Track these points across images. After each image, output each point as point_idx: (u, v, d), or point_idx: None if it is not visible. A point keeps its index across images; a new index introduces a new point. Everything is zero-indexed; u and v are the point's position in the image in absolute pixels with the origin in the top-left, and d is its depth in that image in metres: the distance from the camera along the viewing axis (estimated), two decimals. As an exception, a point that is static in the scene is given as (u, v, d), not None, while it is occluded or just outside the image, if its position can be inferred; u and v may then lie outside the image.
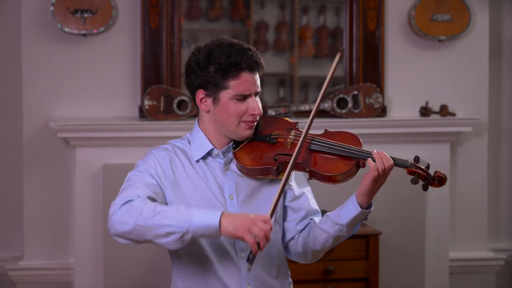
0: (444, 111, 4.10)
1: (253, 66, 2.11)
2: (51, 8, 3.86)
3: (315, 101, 4.11)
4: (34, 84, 3.95)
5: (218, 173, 2.17)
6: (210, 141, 2.17)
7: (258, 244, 1.92)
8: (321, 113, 4.07)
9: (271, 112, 3.98)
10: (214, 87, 2.10)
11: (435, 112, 4.12)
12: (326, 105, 4.04)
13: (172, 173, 2.15)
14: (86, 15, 3.89)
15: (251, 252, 1.93)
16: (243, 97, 2.11)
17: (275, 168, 2.11)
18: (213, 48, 2.11)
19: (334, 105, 4.05)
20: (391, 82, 4.17)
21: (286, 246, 2.28)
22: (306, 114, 4.06)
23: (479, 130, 4.23)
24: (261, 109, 2.14)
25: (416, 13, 4.08)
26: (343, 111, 4.04)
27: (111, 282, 3.91)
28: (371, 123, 4.05)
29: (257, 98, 2.14)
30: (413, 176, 2.14)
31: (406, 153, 4.11)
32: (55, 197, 4.00)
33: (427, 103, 4.11)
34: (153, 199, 2.06)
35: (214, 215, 1.94)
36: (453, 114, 4.12)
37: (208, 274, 2.13)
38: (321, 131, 2.22)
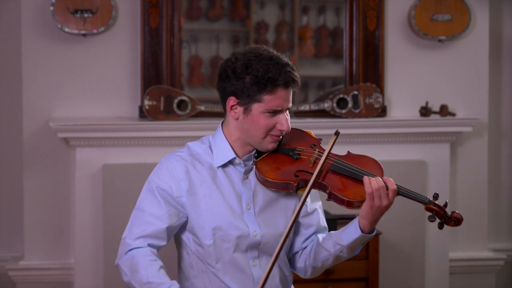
0: (444, 111, 4.10)
1: (289, 83, 2.10)
2: (51, 8, 3.86)
3: (316, 101, 4.12)
4: (34, 84, 3.95)
5: (237, 182, 2.17)
6: (233, 148, 2.16)
7: None
8: (321, 113, 4.07)
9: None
10: (247, 98, 2.09)
11: (435, 112, 4.12)
12: (326, 105, 4.04)
13: (187, 183, 2.14)
14: (86, 15, 3.89)
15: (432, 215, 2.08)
16: (275, 112, 2.10)
17: (295, 184, 2.11)
18: (252, 58, 2.09)
19: (334, 105, 4.05)
20: (391, 82, 4.17)
21: (289, 259, 2.30)
22: (306, 114, 4.06)
23: (479, 130, 4.23)
24: (290, 126, 2.14)
25: (416, 13, 4.08)
26: (343, 111, 4.04)
27: (111, 282, 3.91)
28: (371, 123, 4.05)
29: (287, 113, 2.14)
30: (430, 214, 2.14)
31: (406, 153, 4.13)
32: (55, 197, 4.00)
33: (427, 103, 4.11)
34: (167, 228, 2.11)
35: None
36: (453, 114, 4.12)
37: (220, 284, 2.15)
38: (344, 152, 2.22)
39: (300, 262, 2.28)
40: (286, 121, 2.12)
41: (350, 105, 4.05)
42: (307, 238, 2.26)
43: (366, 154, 2.24)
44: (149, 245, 2.12)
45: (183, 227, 2.18)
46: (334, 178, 2.12)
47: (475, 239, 4.30)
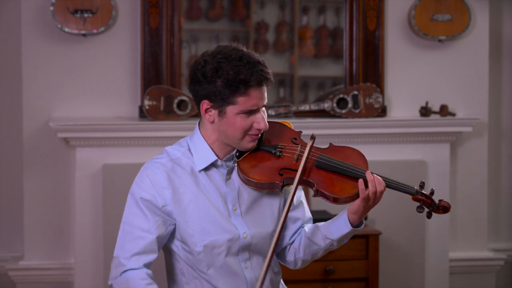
0: (444, 111, 4.10)
1: (262, 81, 2.07)
2: (51, 8, 3.86)
3: (316, 101, 4.12)
4: (34, 84, 3.95)
5: (221, 184, 2.14)
6: (212, 150, 2.13)
7: None
8: (321, 113, 4.07)
9: (271, 112, 3.98)
10: (220, 101, 2.05)
11: (435, 112, 4.12)
12: (326, 105, 4.04)
13: (171, 191, 2.10)
14: (86, 15, 3.89)
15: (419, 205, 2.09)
16: (250, 112, 2.07)
17: (280, 184, 2.09)
18: (221, 60, 2.04)
19: (334, 105, 4.05)
20: (391, 82, 4.17)
21: (278, 254, 2.28)
22: (306, 114, 4.06)
23: (479, 130, 4.23)
24: (267, 124, 2.10)
25: (416, 13, 4.08)
26: (343, 111, 4.04)
27: (111, 282, 3.91)
28: (371, 123, 4.05)
29: (264, 110, 2.11)
30: (418, 204, 2.14)
31: (406, 153, 4.13)
32: (55, 197, 4.00)
33: (427, 103, 4.10)
34: (157, 238, 2.09)
35: None
36: (453, 114, 4.12)
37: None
38: (326, 145, 2.19)
39: (289, 256, 2.26)
40: (262, 119, 2.08)
41: (350, 105, 4.05)
42: (295, 232, 2.25)
43: (348, 145, 2.22)
44: (144, 265, 2.09)
45: (171, 236, 2.15)
46: (320, 174, 2.10)
47: (475, 239, 4.30)
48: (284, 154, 2.13)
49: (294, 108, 4.04)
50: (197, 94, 2.09)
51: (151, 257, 2.10)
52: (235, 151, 2.14)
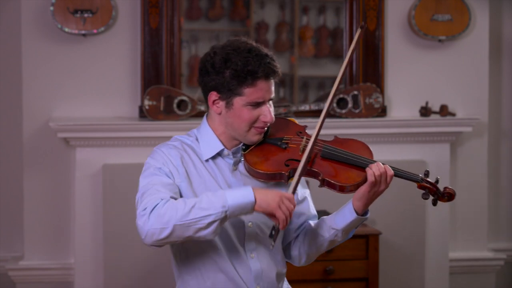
0: (444, 111, 4.10)
1: (270, 74, 2.08)
2: (51, 8, 3.86)
3: (316, 101, 4.12)
4: (34, 84, 3.95)
5: (227, 173, 2.16)
6: (220, 141, 2.15)
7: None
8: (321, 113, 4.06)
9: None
10: (228, 92, 2.08)
11: (435, 112, 4.12)
12: (326, 105, 4.04)
13: (184, 170, 2.12)
14: (86, 15, 3.89)
15: (273, 228, 1.97)
16: (257, 104, 2.09)
17: (286, 174, 2.10)
18: (230, 52, 2.08)
19: (334, 105, 4.05)
20: (391, 82, 4.17)
21: (283, 249, 2.28)
22: (306, 114, 4.06)
23: (479, 130, 4.23)
24: (273, 116, 2.12)
25: (416, 13, 4.08)
26: (343, 111, 4.04)
27: (111, 282, 3.91)
28: (371, 123, 4.05)
29: (270, 103, 2.13)
30: (423, 191, 2.15)
31: (406, 153, 4.13)
32: (55, 197, 4.00)
33: (427, 103, 4.11)
34: (175, 199, 2.02)
35: (248, 192, 1.97)
36: (453, 114, 4.12)
37: (219, 275, 2.13)
38: (331, 138, 2.21)
39: (294, 251, 2.27)
40: (269, 112, 2.10)
41: (350, 105, 4.05)
42: (299, 227, 2.25)
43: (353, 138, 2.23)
44: (162, 199, 2.00)
45: None
46: (325, 164, 2.12)
47: (475, 239, 4.30)
48: (289, 145, 2.16)
49: (294, 108, 4.04)
50: (206, 86, 2.12)
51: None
52: (241, 144, 2.16)
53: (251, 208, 1.96)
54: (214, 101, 2.11)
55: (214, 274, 2.13)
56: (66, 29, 3.88)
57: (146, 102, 3.89)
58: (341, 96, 4.05)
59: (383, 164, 2.11)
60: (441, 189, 2.15)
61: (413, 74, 4.19)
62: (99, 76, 3.99)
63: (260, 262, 2.15)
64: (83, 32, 3.90)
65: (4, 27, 4.06)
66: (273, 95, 2.13)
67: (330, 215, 2.20)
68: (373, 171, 2.07)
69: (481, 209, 4.28)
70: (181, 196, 2.09)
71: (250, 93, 2.07)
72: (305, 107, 4.05)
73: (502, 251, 4.40)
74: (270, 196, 1.97)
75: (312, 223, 2.24)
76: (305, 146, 2.13)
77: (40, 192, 3.98)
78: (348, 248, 3.71)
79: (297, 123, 2.24)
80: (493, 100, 4.36)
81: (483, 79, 4.22)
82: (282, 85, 4.35)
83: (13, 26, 4.02)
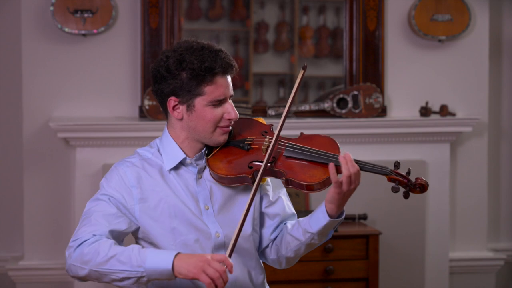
0: (444, 111, 4.10)
1: (227, 69, 2.04)
2: (51, 8, 3.86)
3: (316, 101, 4.12)
4: (34, 84, 3.95)
5: (192, 183, 2.10)
6: (182, 149, 2.09)
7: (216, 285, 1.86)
8: (321, 113, 4.07)
9: (271, 112, 3.98)
10: (188, 94, 2.02)
11: (435, 112, 4.12)
12: (326, 105, 4.04)
13: (140, 191, 2.06)
14: (86, 15, 3.89)
15: None
16: (219, 102, 2.04)
17: (250, 176, 2.04)
18: (183, 52, 2.03)
19: (334, 105, 4.05)
20: (391, 82, 4.17)
21: (261, 253, 2.23)
22: (306, 114, 4.06)
23: (479, 130, 4.23)
24: (237, 113, 2.07)
25: (416, 13, 4.08)
26: (343, 111, 4.04)
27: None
28: (371, 123, 4.05)
29: (231, 101, 2.08)
30: (393, 184, 2.04)
31: (406, 153, 4.13)
32: (55, 197, 4.00)
33: (427, 103, 4.11)
34: (112, 232, 2.00)
35: (168, 257, 1.89)
36: (453, 114, 4.12)
37: (191, 286, 2.08)
38: (298, 134, 2.15)
39: (272, 254, 2.20)
40: (232, 108, 2.06)
41: (350, 105, 4.05)
42: (275, 229, 2.19)
43: (319, 134, 2.15)
44: (94, 235, 1.99)
45: (141, 240, 2.10)
46: (289, 163, 2.05)
47: (475, 239, 4.30)
48: (252, 146, 2.09)
49: (294, 108, 4.04)
50: (162, 93, 2.06)
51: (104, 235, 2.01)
52: (204, 149, 2.10)
53: (169, 274, 1.89)
54: (174, 106, 2.05)
55: (187, 284, 2.08)
56: (66, 29, 3.88)
57: (146, 102, 3.89)
58: (341, 96, 4.05)
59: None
60: (413, 180, 2.04)
61: (413, 74, 4.19)
62: (99, 76, 3.99)
63: (233, 272, 2.03)
64: (83, 32, 3.90)
65: (4, 27, 4.06)
66: (232, 92, 2.08)
67: (305, 218, 2.11)
68: (335, 172, 1.95)
69: (481, 209, 4.28)
70: (131, 222, 2.04)
71: (210, 91, 2.02)
72: (305, 107, 4.05)
73: (502, 251, 4.40)
74: (192, 262, 1.87)
75: (290, 224, 2.16)
76: (269, 146, 2.06)
77: (40, 192, 3.98)
78: (348, 248, 3.71)
79: (264, 122, 2.18)
80: (493, 100, 4.36)
81: (483, 79, 4.22)
82: (282, 85, 4.36)
83: (13, 26, 4.02)
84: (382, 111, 4.09)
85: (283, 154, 2.07)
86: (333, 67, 4.30)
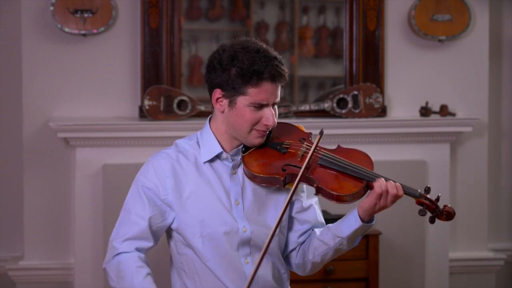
0: (444, 111, 4.10)
1: (276, 77, 2.06)
2: (51, 8, 3.86)
3: (316, 101, 4.11)
4: (34, 84, 3.95)
5: (225, 177, 2.15)
6: (220, 143, 2.14)
7: None
8: (321, 113, 4.07)
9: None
10: (232, 90, 2.07)
11: (435, 112, 4.12)
12: (326, 105, 4.04)
13: (173, 181, 2.12)
14: (86, 15, 3.89)
15: None
16: (260, 106, 2.07)
17: (282, 179, 2.08)
18: (238, 50, 2.07)
19: (334, 105, 4.05)
20: (391, 82, 4.17)
21: (286, 257, 2.26)
22: (306, 114, 4.06)
23: (479, 130, 4.23)
24: (276, 121, 2.10)
25: (416, 13, 4.08)
26: (343, 111, 4.04)
27: (111, 282, 3.91)
28: (371, 123, 4.05)
29: (275, 108, 2.11)
30: (421, 207, 2.10)
31: (406, 153, 4.13)
32: (55, 197, 4.00)
33: (427, 103, 4.11)
34: (150, 226, 2.12)
35: None
36: (453, 114, 4.12)
37: (216, 280, 2.12)
38: (334, 146, 2.19)
39: (298, 259, 2.24)
40: (271, 115, 2.08)
41: (350, 105, 4.05)
42: (303, 234, 2.22)
43: (356, 148, 2.21)
44: (137, 249, 2.11)
45: (170, 230, 2.17)
46: (323, 172, 2.09)
47: (475, 239, 4.30)
48: (289, 150, 2.13)
49: (294, 108, 4.04)
50: (211, 83, 2.11)
51: (145, 243, 2.13)
52: (242, 146, 2.15)
53: None
54: (217, 98, 2.11)
55: (211, 278, 2.12)
56: (66, 29, 3.88)
57: (146, 102, 3.89)
58: (341, 96, 4.05)
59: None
60: (441, 207, 2.09)
61: (413, 74, 4.19)
62: (99, 76, 3.99)
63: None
64: (83, 32, 3.90)
65: (4, 27, 4.06)
66: (278, 99, 2.11)
67: (334, 223, 2.17)
68: (380, 183, 2.05)
69: (481, 209, 4.28)
70: (165, 214, 2.13)
71: (254, 93, 2.05)
72: (305, 107, 4.05)
73: (502, 251, 4.40)
74: None
75: (318, 231, 2.20)
76: (305, 152, 2.11)
77: (40, 192, 3.98)
78: (348, 248, 3.71)
79: (304, 129, 2.22)
80: (493, 100, 4.36)
81: (483, 79, 4.22)
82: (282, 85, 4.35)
83: (13, 26, 4.02)
84: (382, 111, 4.09)
85: (317, 162, 2.10)
86: (333, 67, 4.30)
